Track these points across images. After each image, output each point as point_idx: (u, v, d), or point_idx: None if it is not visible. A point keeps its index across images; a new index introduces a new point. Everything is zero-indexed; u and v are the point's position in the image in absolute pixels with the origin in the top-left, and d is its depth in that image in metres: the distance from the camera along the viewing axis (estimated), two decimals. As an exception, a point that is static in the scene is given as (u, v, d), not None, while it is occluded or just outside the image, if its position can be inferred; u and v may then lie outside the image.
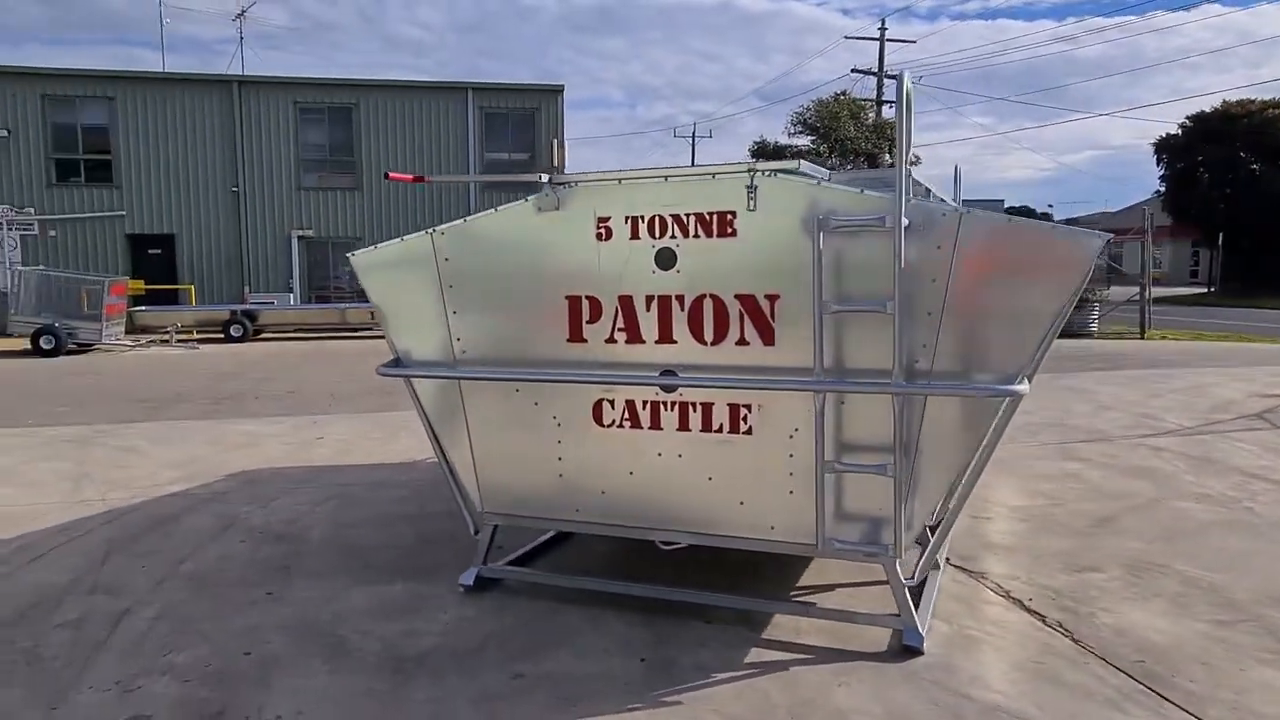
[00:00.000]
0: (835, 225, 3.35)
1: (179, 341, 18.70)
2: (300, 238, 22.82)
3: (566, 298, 3.81)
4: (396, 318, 4.13)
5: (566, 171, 3.87)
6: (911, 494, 3.47)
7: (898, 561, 3.55)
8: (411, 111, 23.01)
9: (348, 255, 4.32)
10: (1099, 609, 4.00)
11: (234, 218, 22.44)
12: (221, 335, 19.32)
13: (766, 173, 3.47)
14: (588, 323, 3.80)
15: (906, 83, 3.13)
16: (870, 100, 34.15)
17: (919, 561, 3.86)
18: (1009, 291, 3.30)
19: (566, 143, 26.56)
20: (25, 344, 16.61)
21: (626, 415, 3.82)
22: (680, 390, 3.70)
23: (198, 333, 19.58)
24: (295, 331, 20.42)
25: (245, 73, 23.05)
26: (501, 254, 3.89)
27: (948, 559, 4.58)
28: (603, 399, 3.83)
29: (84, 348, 16.95)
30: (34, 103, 21.27)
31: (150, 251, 22.42)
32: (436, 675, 3.41)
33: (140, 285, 20.69)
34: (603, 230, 3.72)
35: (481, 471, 4.11)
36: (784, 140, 33.41)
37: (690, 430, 3.72)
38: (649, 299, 3.69)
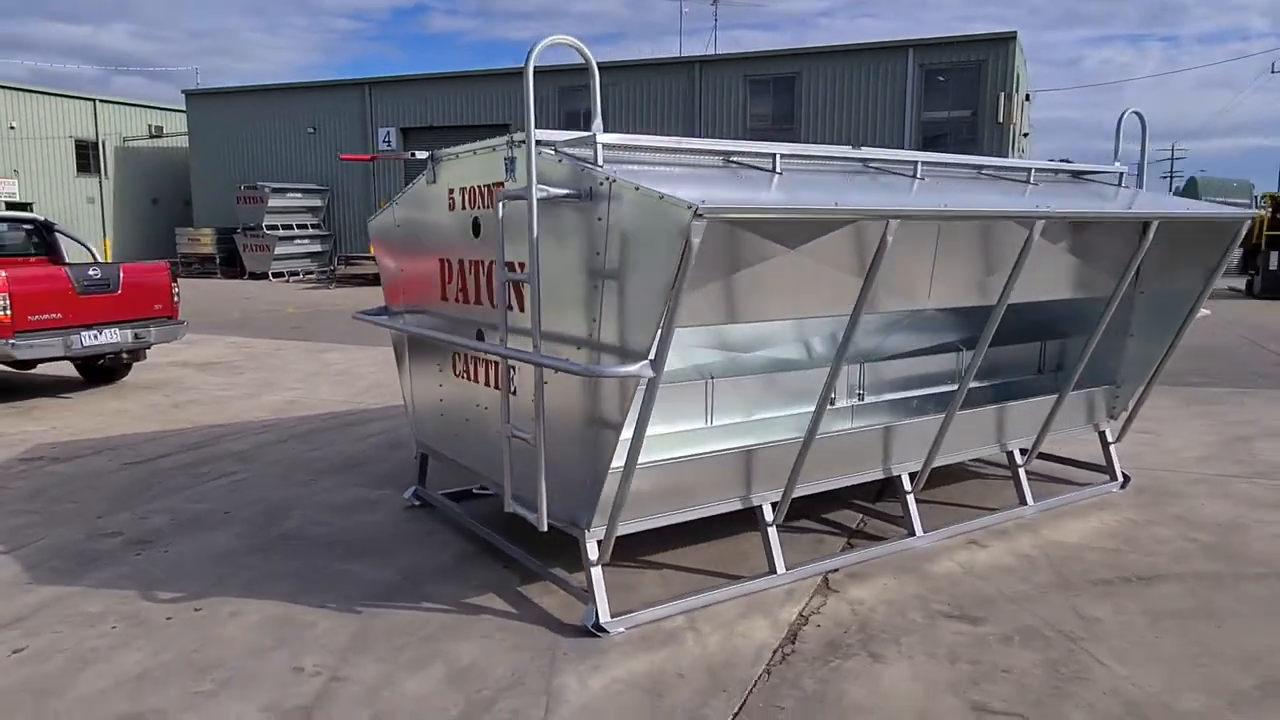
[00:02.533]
0: (546, 195, 3.56)
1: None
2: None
3: (438, 260, 4.60)
4: (381, 273, 5.32)
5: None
6: (551, 467, 3.58)
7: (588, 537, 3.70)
8: (850, 75, 23.20)
9: (367, 220, 5.58)
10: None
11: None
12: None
13: (518, 144, 3.82)
14: (445, 284, 4.56)
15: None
16: None
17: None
18: (639, 266, 3.27)
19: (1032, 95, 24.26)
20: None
21: (464, 368, 4.52)
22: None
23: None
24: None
25: (707, 52, 25.49)
26: (420, 221, 4.81)
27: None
28: (454, 352, 4.58)
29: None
30: (551, 94, 26.44)
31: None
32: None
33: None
34: (450, 201, 4.44)
35: (413, 404, 5.14)
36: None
37: (491, 386, 4.29)
38: (471, 264, 4.32)
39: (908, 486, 4.78)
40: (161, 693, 3.26)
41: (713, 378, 4.60)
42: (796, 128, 23.66)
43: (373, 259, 25.89)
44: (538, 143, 3.78)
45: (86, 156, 33.32)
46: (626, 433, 3.43)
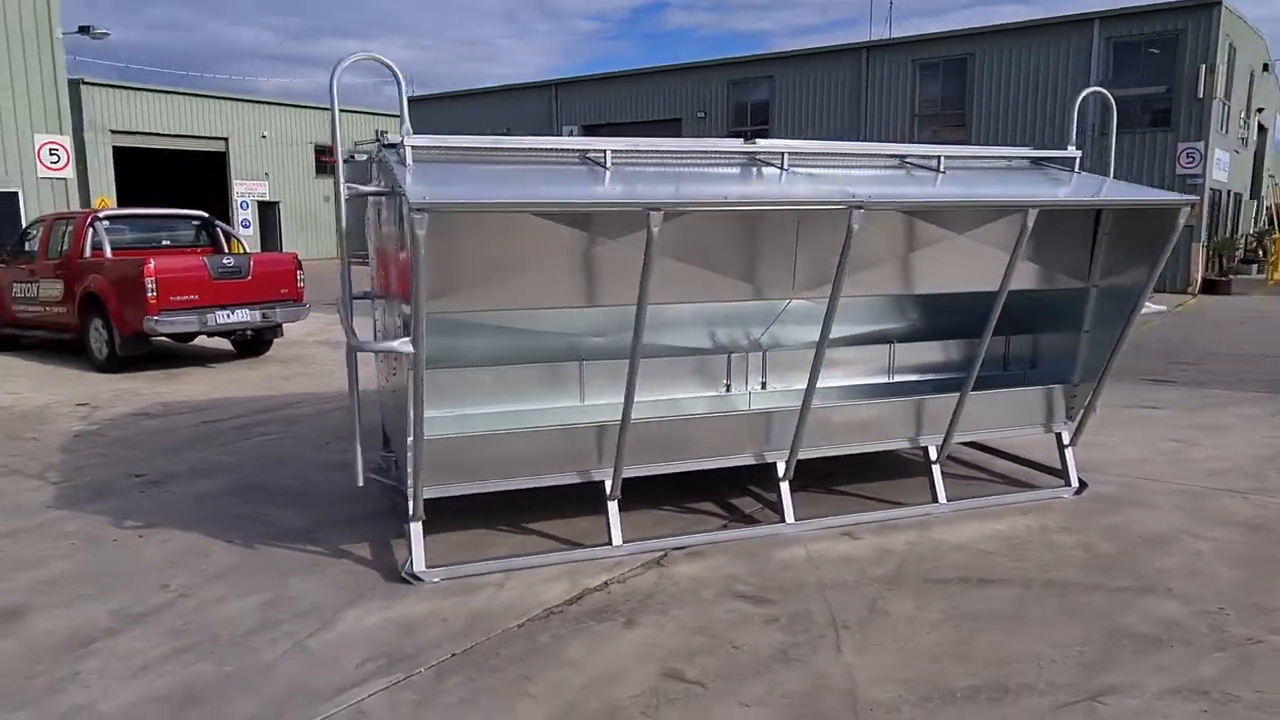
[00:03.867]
0: (352, 193, 4.09)
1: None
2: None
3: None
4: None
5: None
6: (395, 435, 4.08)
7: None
8: (1027, 54, 21.60)
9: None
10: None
11: (853, 175, 24.55)
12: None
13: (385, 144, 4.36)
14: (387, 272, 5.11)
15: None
16: None
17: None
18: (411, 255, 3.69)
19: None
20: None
21: (369, 345, 5.11)
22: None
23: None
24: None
25: (872, 38, 24.65)
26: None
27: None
28: (372, 334, 5.19)
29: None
30: (721, 87, 26.69)
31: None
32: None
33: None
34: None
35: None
36: None
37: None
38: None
39: (780, 473, 4.83)
40: (53, 593, 4.12)
41: (583, 360, 4.91)
42: (967, 114, 22.44)
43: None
44: (387, 146, 4.32)
45: (324, 160, 37.69)
46: (439, 411, 3.90)
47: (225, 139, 34.27)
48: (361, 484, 4.27)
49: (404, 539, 4.66)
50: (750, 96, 26.33)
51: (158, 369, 10.55)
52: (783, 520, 4.80)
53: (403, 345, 3.67)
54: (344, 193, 3.97)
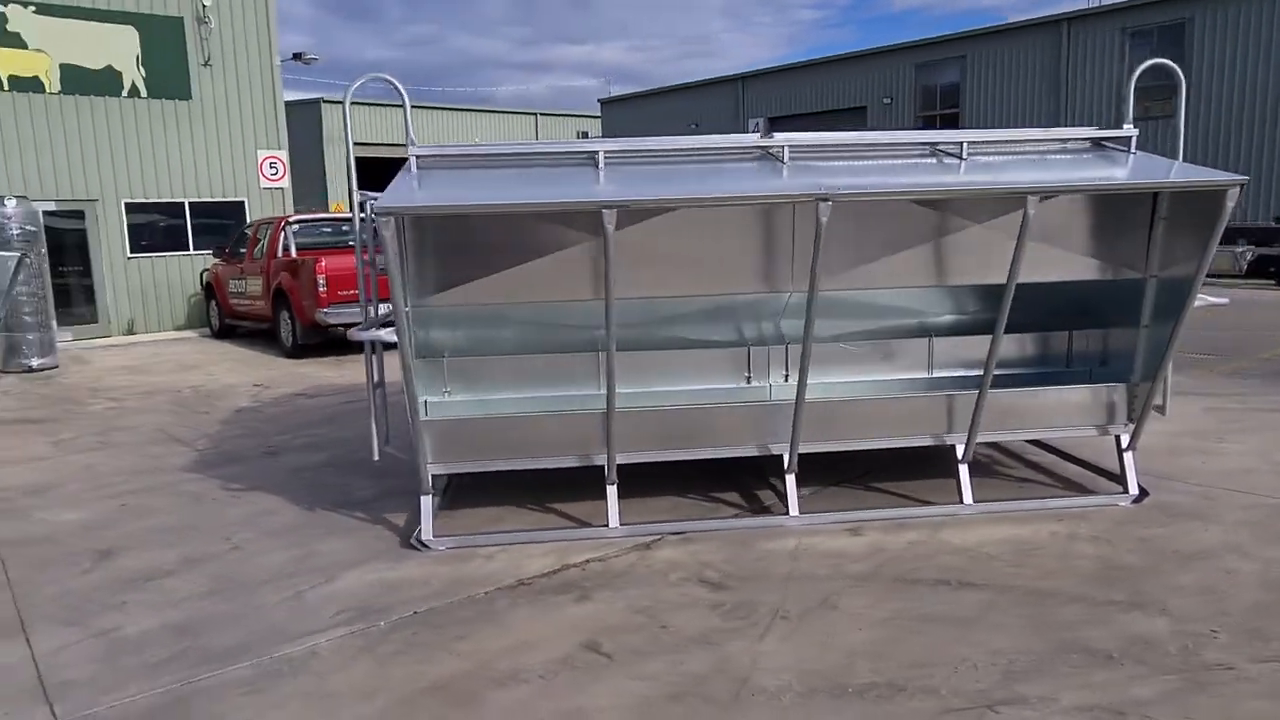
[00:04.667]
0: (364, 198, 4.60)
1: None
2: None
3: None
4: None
5: None
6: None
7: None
8: (1257, 15, 19.04)
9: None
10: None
11: (1052, 158, 22.71)
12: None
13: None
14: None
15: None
16: None
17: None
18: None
19: None
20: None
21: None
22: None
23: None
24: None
25: (1074, 9, 22.58)
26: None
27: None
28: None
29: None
30: (908, 71, 25.60)
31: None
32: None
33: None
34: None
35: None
36: None
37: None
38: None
39: (786, 465, 4.83)
40: (145, 539, 4.95)
41: (600, 351, 5.14)
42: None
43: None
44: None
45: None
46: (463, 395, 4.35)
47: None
48: (377, 458, 4.77)
49: (450, 510, 5.16)
50: (939, 79, 25.11)
51: (332, 356, 11.87)
52: (786, 513, 4.81)
53: (388, 335, 4.11)
54: (356, 197, 4.46)
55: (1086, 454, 5.65)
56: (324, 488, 5.81)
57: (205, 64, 15.87)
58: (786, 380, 5.34)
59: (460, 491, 5.49)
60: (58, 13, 14.49)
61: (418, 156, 4.50)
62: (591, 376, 5.23)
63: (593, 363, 5.20)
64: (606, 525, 4.71)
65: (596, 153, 4.55)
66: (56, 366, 11.88)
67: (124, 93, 15.17)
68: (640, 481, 5.15)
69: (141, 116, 15.38)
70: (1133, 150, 4.88)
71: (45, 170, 14.56)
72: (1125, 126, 4.90)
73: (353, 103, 4.43)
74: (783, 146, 4.66)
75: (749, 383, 5.34)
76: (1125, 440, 5.00)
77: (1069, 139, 5.08)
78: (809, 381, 5.42)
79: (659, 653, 3.45)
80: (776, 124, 29.72)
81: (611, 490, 4.75)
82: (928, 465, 5.50)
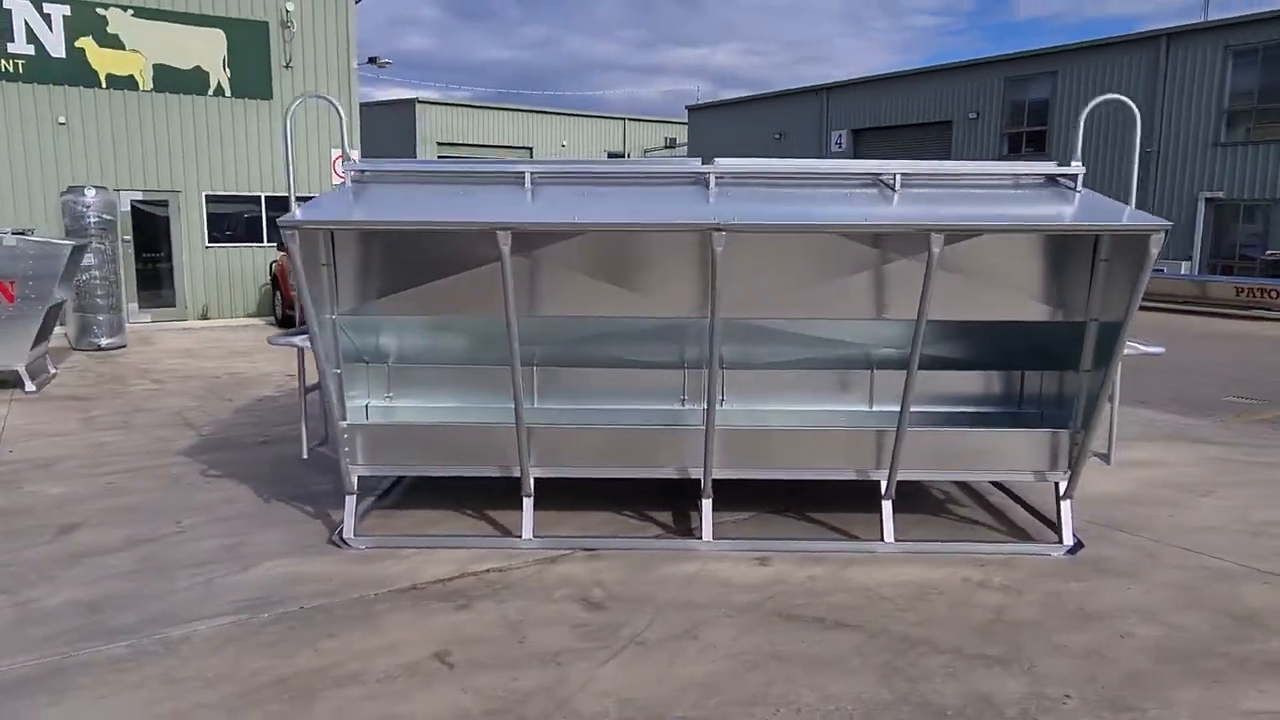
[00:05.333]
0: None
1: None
2: (1208, 200, 20.43)
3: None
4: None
5: None
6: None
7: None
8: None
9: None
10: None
11: (1142, 180, 21.55)
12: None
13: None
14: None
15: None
16: None
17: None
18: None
19: None
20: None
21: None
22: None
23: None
24: (1184, 305, 19.08)
25: (1174, 24, 21.38)
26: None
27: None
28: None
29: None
30: (996, 85, 24.77)
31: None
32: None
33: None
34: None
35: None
36: None
37: (371, 353, 5.58)
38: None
39: (707, 490, 4.84)
40: (108, 518, 5.31)
41: (536, 364, 5.26)
42: (1292, 107, 18.87)
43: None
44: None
45: (616, 165, 40.44)
46: (363, 400, 4.55)
47: (529, 148, 37.99)
48: (305, 457, 5.01)
49: (391, 510, 5.36)
50: (1029, 95, 24.21)
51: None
52: (698, 537, 4.82)
53: (301, 341, 4.33)
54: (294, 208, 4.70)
55: (1045, 500, 5.45)
56: (291, 480, 6.10)
57: (286, 66, 16.71)
58: (722, 404, 5.34)
59: (413, 493, 5.70)
60: (153, 16, 15.50)
61: (354, 171, 4.71)
62: (529, 390, 5.35)
63: (530, 376, 5.33)
64: (518, 537, 4.82)
65: (524, 173, 4.67)
66: (124, 346, 12.73)
67: (210, 91, 16.11)
68: (581, 495, 5.25)
69: (225, 114, 16.30)
70: (1078, 188, 4.70)
71: (135, 161, 15.60)
72: (1073, 163, 4.72)
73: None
74: (708, 174, 4.68)
75: (684, 405, 5.36)
76: (1063, 488, 4.81)
77: (1023, 174, 4.92)
78: (740, 408, 5.45)
79: (500, 667, 3.54)
80: (860, 136, 29.24)
81: (527, 503, 4.86)
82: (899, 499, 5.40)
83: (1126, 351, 4.26)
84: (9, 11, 14.45)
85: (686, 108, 37.04)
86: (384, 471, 4.93)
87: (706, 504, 4.86)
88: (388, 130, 37.42)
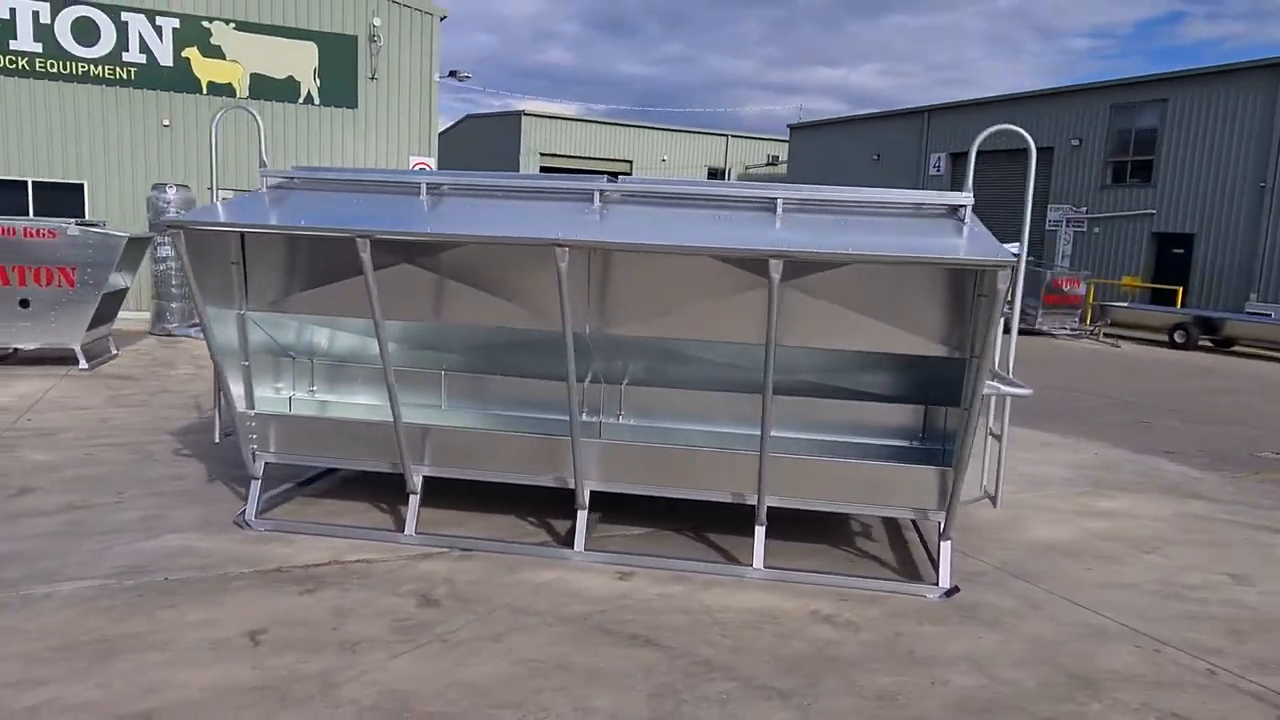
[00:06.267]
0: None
1: (1105, 337, 19.13)
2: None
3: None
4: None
5: None
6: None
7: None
8: None
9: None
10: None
11: (1254, 217, 20.01)
12: (1166, 339, 18.67)
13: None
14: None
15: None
16: None
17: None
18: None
19: None
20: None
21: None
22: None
23: (1143, 332, 19.37)
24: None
25: (1301, 51, 19.77)
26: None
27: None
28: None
29: (1024, 331, 19.38)
30: (1102, 112, 23.55)
31: (1174, 251, 22.19)
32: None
33: (1133, 281, 21.24)
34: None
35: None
36: None
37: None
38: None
39: (582, 501, 4.91)
40: (65, 485, 5.82)
41: (445, 370, 5.45)
42: None
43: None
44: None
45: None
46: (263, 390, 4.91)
47: (630, 161, 38.54)
48: (218, 441, 5.36)
49: (315, 498, 5.67)
50: (1135, 123, 22.92)
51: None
52: (569, 546, 4.90)
53: (196, 333, 4.67)
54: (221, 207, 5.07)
55: (966, 541, 5.24)
56: (238, 463, 6.49)
57: (372, 77, 17.64)
58: (619, 419, 5.40)
59: (347, 484, 5.99)
60: (253, 29, 16.69)
61: (290, 178, 5.05)
62: (437, 389, 5.57)
63: (437, 378, 5.54)
64: (401, 532, 5.02)
65: (419, 184, 4.89)
66: (191, 335, 13.73)
67: (300, 99, 17.19)
68: (496, 499, 5.43)
69: (313, 121, 17.36)
70: (966, 220, 4.54)
71: (229, 163, 16.78)
72: (961, 194, 4.56)
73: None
74: (593, 191, 4.77)
75: (584, 418, 5.44)
76: (943, 527, 4.65)
77: (926, 203, 4.79)
78: (642, 424, 5.49)
79: (300, 650, 3.73)
80: (959, 160, 28.35)
81: (413, 500, 5.06)
82: (815, 526, 5.32)
83: (985, 391, 4.10)
84: (125, 24, 15.88)
85: (789, 126, 36.78)
86: (287, 460, 5.23)
87: (581, 515, 4.93)
88: (495, 141, 38.76)
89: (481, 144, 40.01)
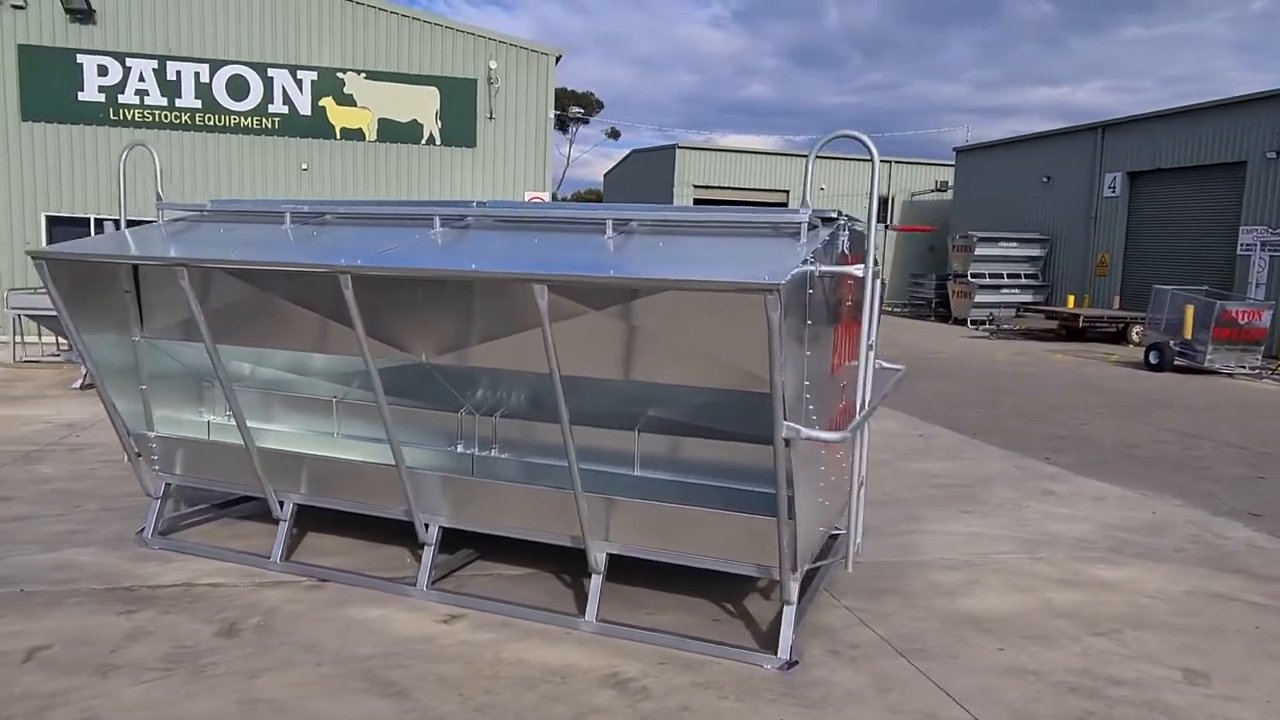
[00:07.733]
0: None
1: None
2: None
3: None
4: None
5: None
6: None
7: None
8: None
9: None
10: None
11: None
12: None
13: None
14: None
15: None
16: None
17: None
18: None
19: None
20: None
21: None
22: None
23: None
24: None
25: None
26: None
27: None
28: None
29: (1191, 369, 17.07)
30: (1304, 120, 20.46)
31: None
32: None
33: (1338, 314, 18.21)
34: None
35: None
36: None
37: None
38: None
39: (430, 538, 4.71)
40: (43, 495, 6.32)
41: (336, 399, 5.44)
42: None
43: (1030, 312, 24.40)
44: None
45: (882, 209, 38.87)
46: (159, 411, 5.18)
47: (786, 191, 37.87)
48: (127, 461, 5.62)
49: (236, 520, 5.86)
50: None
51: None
52: (413, 584, 4.71)
53: (74, 358, 4.93)
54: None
55: (884, 603, 4.59)
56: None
57: (489, 118, 18.40)
58: (491, 453, 5.16)
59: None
60: (381, 78, 17.89)
61: (170, 214, 5.29)
62: (332, 419, 5.59)
63: (329, 408, 5.56)
64: (270, 559, 5.04)
65: (285, 213, 4.95)
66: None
67: (423, 140, 18.20)
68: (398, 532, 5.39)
69: (435, 160, 18.32)
70: (802, 238, 3.97)
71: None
72: (801, 210, 4.00)
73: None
74: (433, 216, 4.62)
75: (457, 449, 5.26)
76: (791, 593, 4.06)
77: (783, 222, 4.25)
78: (514, 459, 5.22)
79: (58, 670, 3.79)
80: (1137, 179, 25.66)
81: (282, 527, 5.07)
82: (705, 578, 4.89)
83: (786, 434, 3.54)
84: (271, 79, 17.50)
85: (954, 149, 34.80)
86: (182, 481, 5.40)
87: (426, 552, 4.75)
88: (651, 175, 39.35)
89: (643, 178, 40.71)
